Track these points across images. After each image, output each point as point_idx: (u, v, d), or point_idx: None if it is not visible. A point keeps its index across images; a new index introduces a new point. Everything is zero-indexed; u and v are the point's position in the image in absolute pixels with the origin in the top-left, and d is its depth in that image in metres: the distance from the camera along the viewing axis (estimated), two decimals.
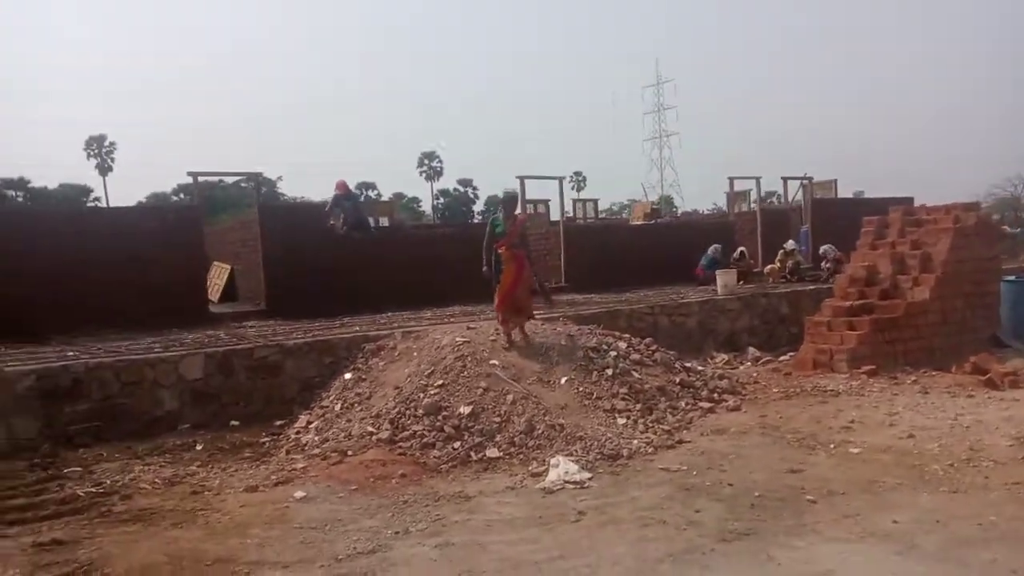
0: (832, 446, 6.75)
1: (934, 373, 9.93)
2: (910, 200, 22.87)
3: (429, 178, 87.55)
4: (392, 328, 10.15)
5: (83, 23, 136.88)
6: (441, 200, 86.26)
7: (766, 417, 7.86)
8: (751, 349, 12.51)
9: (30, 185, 70.75)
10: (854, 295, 11.21)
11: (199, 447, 7.62)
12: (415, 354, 8.85)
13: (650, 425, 7.47)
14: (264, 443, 7.76)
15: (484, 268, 9.12)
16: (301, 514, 5.53)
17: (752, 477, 5.89)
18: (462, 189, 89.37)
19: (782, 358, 11.57)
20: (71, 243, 10.92)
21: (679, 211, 65.45)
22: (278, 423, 8.40)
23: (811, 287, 14.65)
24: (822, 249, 16.55)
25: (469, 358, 8.21)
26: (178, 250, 11.56)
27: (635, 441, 6.97)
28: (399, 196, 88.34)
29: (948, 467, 6.05)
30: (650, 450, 6.78)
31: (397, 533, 5.12)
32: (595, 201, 28.30)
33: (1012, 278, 12.79)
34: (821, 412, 8.02)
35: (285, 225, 12.60)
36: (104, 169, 75.60)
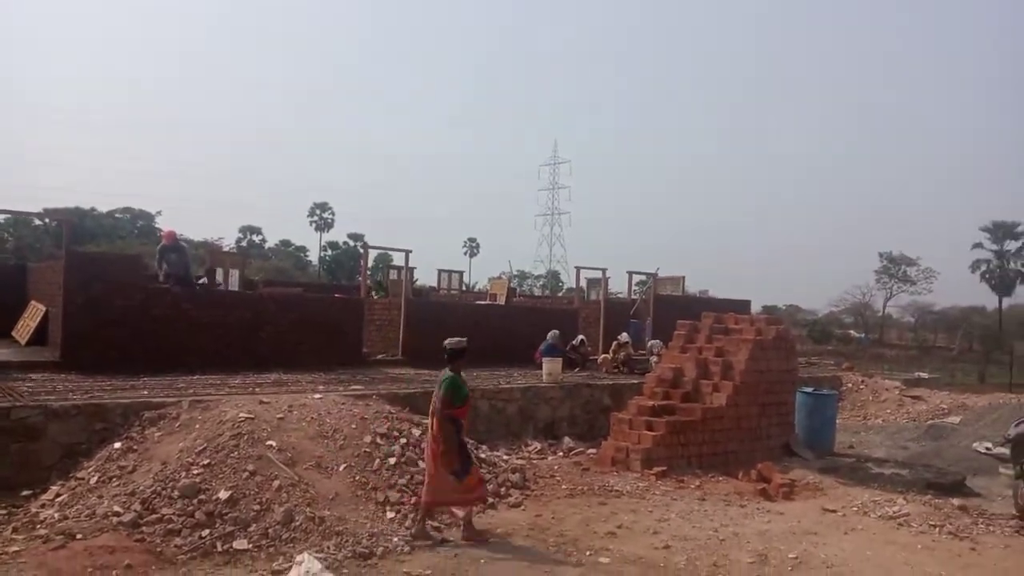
0: (588, 553, 6.83)
1: (720, 479, 10.36)
2: (746, 304, 24.57)
3: (319, 228, 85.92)
4: (185, 395, 9.64)
5: None
6: (329, 252, 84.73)
7: (540, 517, 7.90)
8: (567, 439, 12.71)
9: None
10: (659, 395, 11.66)
11: None
12: (196, 427, 8.39)
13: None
14: (0, 516, 7.06)
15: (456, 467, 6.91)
16: None
17: None
18: (352, 243, 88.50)
19: (590, 451, 11.78)
20: None
21: (564, 287, 67.71)
22: (25, 493, 7.69)
23: (635, 380, 15.15)
24: (649, 343, 17.27)
25: (246, 437, 7.87)
26: None
27: (395, 539, 6.80)
28: (285, 244, 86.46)
29: None
30: (407, 549, 6.62)
31: None
32: (460, 273, 28.51)
33: (809, 389, 13.70)
34: (595, 514, 8.15)
35: (94, 273, 11.88)
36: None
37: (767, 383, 12.09)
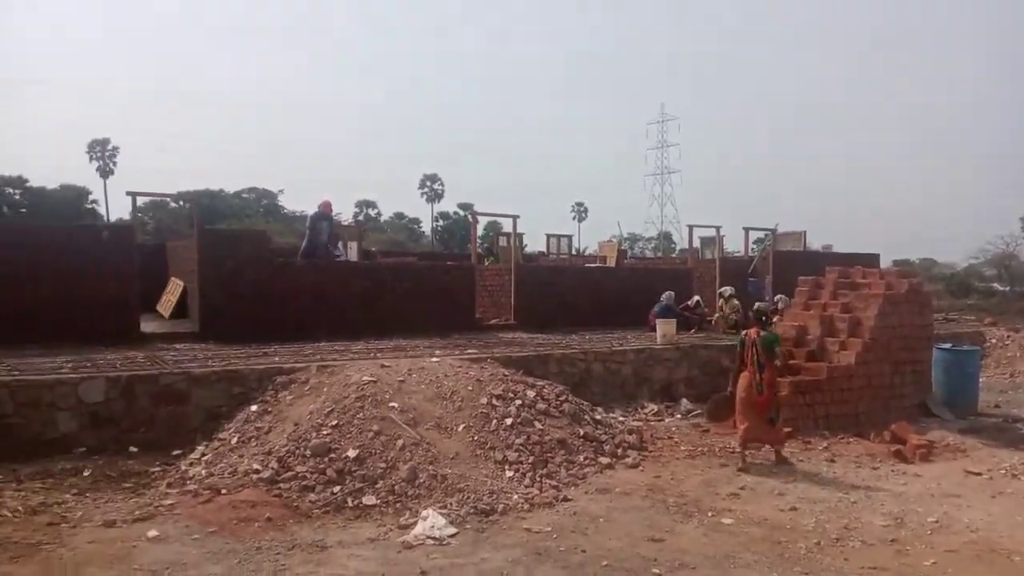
0: (710, 514, 6.72)
1: (850, 440, 9.93)
2: (875, 258, 23.18)
3: (430, 200, 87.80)
4: (312, 361, 10.11)
5: (94, 24, 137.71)
6: (440, 223, 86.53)
7: (659, 478, 7.82)
8: (684, 401, 12.48)
9: (28, 184, 70.99)
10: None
11: (86, 473, 7.54)
12: (324, 390, 8.79)
13: (538, 479, 7.43)
14: (153, 473, 7.68)
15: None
16: (146, 555, 5.46)
17: (609, 544, 5.85)
18: (462, 213, 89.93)
19: None
20: (2, 256, 10.91)
21: (676, 248, 66.32)
22: (176, 452, 8.31)
23: None
24: (777, 298, 16.57)
25: (370, 398, 8.17)
26: (109, 268, 11.54)
27: (515, 496, 6.92)
28: (399, 216, 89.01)
29: (814, 546, 6.03)
30: (526, 507, 6.73)
31: None
32: (569, 237, 28.33)
33: (947, 346, 12.82)
34: (717, 476, 7.99)
35: (225, 250, 12.58)
36: (105, 172, 75.58)
37: (900, 340, 11.41)
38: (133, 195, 12.45)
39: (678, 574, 5.36)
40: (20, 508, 6.31)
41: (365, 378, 8.68)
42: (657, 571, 5.37)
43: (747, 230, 20.47)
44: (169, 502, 6.53)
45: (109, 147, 75.98)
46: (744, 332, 8.97)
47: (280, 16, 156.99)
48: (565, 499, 7.02)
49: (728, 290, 16.90)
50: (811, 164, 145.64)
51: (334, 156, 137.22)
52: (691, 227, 20.01)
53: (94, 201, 72.76)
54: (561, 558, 5.55)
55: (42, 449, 8.01)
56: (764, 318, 8.96)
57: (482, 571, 5.30)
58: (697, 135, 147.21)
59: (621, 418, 10.54)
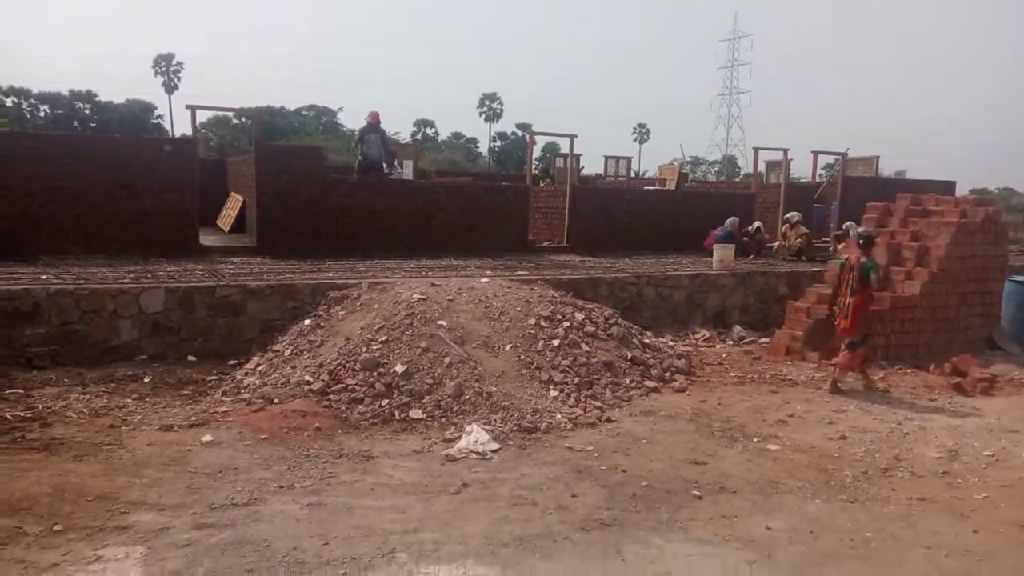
0: (755, 440, 6.64)
1: (908, 371, 9.65)
2: (951, 185, 22.08)
3: (488, 119, 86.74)
4: (365, 277, 10.21)
5: None
6: (498, 143, 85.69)
7: (706, 403, 7.75)
8: (737, 328, 12.27)
9: (97, 99, 72.68)
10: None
11: (147, 379, 7.87)
12: (375, 306, 8.89)
13: (583, 400, 7.44)
14: (210, 381, 7.97)
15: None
16: (200, 458, 5.69)
17: (650, 466, 5.85)
18: (520, 133, 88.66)
19: (763, 340, 11.33)
20: (70, 168, 11.16)
21: (742, 172, 64.34)
22: (232, 362, 8.60)
23: (817, 268, 14.20)
24: (844, 225, 15.98)
25: (419, 316, 8.24)
26: (171, 181, 11.74)
27: (558, 415, 6.96)
28: (457, 136, 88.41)
29: (861, 475, 5.92)
30: (569, 426, 6.77)
31: (281, 487, 5.25)
32: (628, 159, 27.67)
33: (1021, 278, 12.20)
34: (766, 403, 7.88)
35: (281, 166, 12.64)
36: (171, 88, 76.56)
37: (970, 270, 10.89)
38: (193, 108, 12.53)
39: (718, 497, 5.33)
40: (84, 410, 6.63)
41: (415, 296, 8.74)
42: (697, 493, 5.35)
43: (815, 153, 19.56)
44: (223, 409, 6.77)
45: (174, 62, 76.77)
46: (846, 256, 8.90)
47: None
48: (609, 420, 7.03)
49: (794, 215, 16.36)
50: (893, 90, 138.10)
51: (393, 76, 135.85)
52: (756, 149, 19.24)
53: (159, 116, 74.23)
54: (601, 476, 5.58)
55: (106, 355, 8.38)
56: (863, 242, 8.76)
57: (522, 485, 5.37)
58: (772, 54, 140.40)
59: (671, 343, 10.44)
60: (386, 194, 13.66)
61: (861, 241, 8.81)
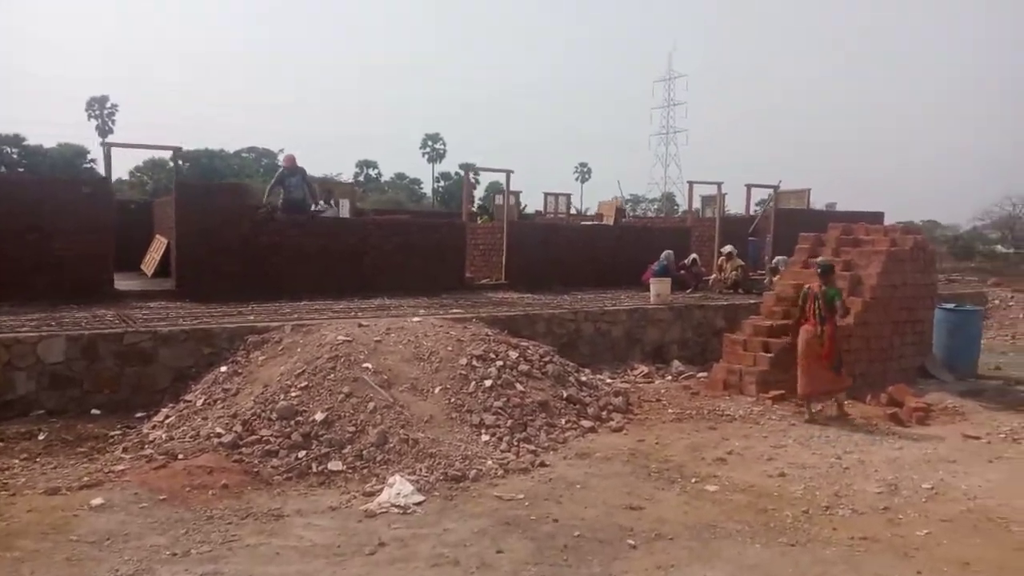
0: (694, 480, 6.37)
1: (846, 402, 9.54)
2: (879, 216, 22.65)
3: (431, 160, 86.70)
4: (289, 320, 9.72)
5: None
6: (442, 183, 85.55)
7: (643, 442, 7.47)
8: (676, 363, 12.12)
9: (25, 143, 70.07)
10: (778, 314, 10.81)
11: (41, 436, 7.20)
12: (298, 350, 8.41)
13: (516, 444, 7.08)
14: (112, 437, 7.34)
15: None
16: (87, 524, 5.13)
17: (584, 513, 5.51)
18: (463, 173, 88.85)
19: (701, 375, 11.17)
20: None
21: (680, 209, 65.47)
22: (139, 415, 7.98)
23: (753, 301, 14.21)
24: (775, 260, 16.14)
25: (343, 359, 7.80)
26: (86, 224, 11.10)
27: (489, 462, 6.58)
28: (400, 176, 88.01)
29: (801, 514, 5.68)
30: (500, 473, 6.39)
31: (174, 555, 4.73)
32: (568, 196, 27.73)
33: (950, 306, 12.40)
34: (704, 440, 7.64)
35: (203, 204, 12.12)
36: (104, 131, 74.42)
37: (902, 299, 10.97)
38: (108, 146, 11.99)
39: (654, 545, 5.01)
40: None
41: (340, 338, 8.31)
42: (632, 542, 5.03)
43: (749, 187, 19.89)
44: (120, 468, 6.19)
45: (108, 105, 74.92)
46: (807, 286, 9.07)
47: None
48: (542, 464, 6.67)
49: (729, 248, 16.48)
50: (818, 124, 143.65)
51: (335, 116, 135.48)
52: (691, 183, 19.47)
53: (92, 160, 71.93)
54: (530, 528, 5.21)
55: (1, 411, 7.67)
56: (821, 272, 8.97)
57: (444, 542, 4.96)
58: (706, 93, 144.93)
59: (609, 380, 10.18)
60: (316, 233, 13.22)
61: (819, 271, 9.02)
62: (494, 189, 44.22)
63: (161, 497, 5.63)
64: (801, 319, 9.01)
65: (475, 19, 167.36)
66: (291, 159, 13.88)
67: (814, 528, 5.42)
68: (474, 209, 22.82)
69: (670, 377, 11.34)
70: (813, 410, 8.65)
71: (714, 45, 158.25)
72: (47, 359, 8.02)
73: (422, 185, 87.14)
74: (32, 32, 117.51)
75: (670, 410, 8.79)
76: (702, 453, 7.16)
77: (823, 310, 8.69)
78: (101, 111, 75.03)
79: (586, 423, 7.91)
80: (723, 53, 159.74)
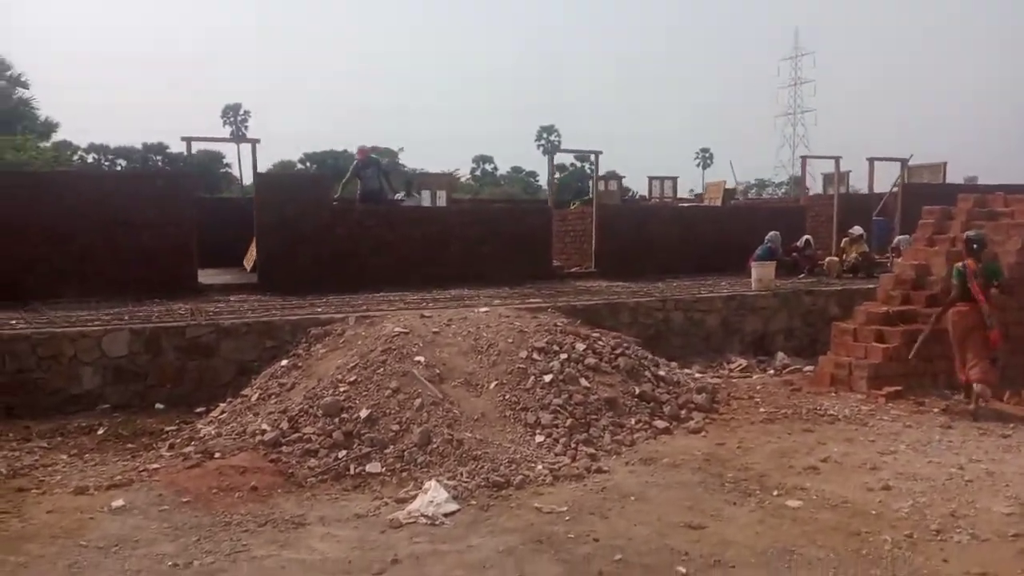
0: (775, 493, 5.46)
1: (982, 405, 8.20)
2: None
3: (547, 152, 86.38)
4: (359, 311, 9.41)
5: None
6: (558, 175, 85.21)
7: (723, 446, 6.58)
8: (780, 355, 10.98)
9: (168, 150, 75.07)
10: (897, 299, 9.50)
11: (100, 431, 7.18)
12: (359, 342, 8.05)
13: (573, 446, 6.38)
14: (167, 432, 7.20)
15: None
16: (101, 528, 4.89)
17: (632, 532, 4.75)
18: (579, 164, 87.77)
19: (808, 368, 10.02)
20: (64, 205, 10.76)
21: (810, 192, 61.50)
22: (199, 410, 7.85)
23: (873, 286, 12.74)
24: (896, 240, 14.51)
25: (395, 352, 7.36)
26: (169, 217, 11.24)
27: (539, 466, 5.92)
28: (517, 170, 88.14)
29: (905, 538, 4.69)
30: (548, 479, 5.72)
31: (175, 566, 4.38)
32: (674, 179, 26.42)
33: None
34: (796, 444, 6.65)
35: (283, 196, 12.03)
36: (239, 137, 78.77)
37: None
38: (188, 140, 12.11)
39: (710, 574, 4.20)
40: (3, 470, 5.94)
41: (396, 329, 7.89)
42: (683, 570, 4.24)
43: (871, 160, 18.00)
44: (154, 466, 5.98)
45: (241, 112, 79.08)
46: (961, 264, 8.06)
47: None
48: (599, 470, 5.94)
49: (857, 229, 14.98)
50: (965, 96, 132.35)
51: (455, 113, 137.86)
52: (804, 158, 17.90)
53: (227, 165, 76.26)
54: (565, 548, 4.52)
55: (67, 405, 7.77)
56: (976, 246, 8.07)
57: (462, 563, 4.36)
58: (837, 68, 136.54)
59: (698, 375, 9.28)
60: (396, 222, 12.92)
61: (974, 245, 8.09)
62: (611, 177, 42.98)
63: (185, 499, 5.34)
64: (952, 301, 8.00)
65: (592, 7, 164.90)
66: (364, 151, 13.85)
67: (919, 558, 4.44)
68: (587, 198, 22.03)
69: (772, 371, 10.27)
70: (981, 404, 7.59)
71: (840, 16, 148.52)
72: (111, 352, 8.03)
73: (538, 178, 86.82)
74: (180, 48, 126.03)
75: (762, 409, 7.80)
76: (791, 460, 6.20)
77: (983, 287, 7.79)
78: (235, 117, 79.17)
79: (660, 423, 7.09)
80: (855, 27, 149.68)
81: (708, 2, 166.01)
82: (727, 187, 21.27)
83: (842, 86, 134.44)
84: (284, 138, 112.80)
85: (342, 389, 6.92)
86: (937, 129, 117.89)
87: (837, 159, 17.69)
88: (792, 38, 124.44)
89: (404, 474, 5.90)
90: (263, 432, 6.53)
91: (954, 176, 24.08)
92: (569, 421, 6.68)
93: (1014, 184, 19.77)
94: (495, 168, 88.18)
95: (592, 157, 15.08)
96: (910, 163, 19.59)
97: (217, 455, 6.13)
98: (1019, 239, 9.24)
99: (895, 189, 18.41)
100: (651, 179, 25.01)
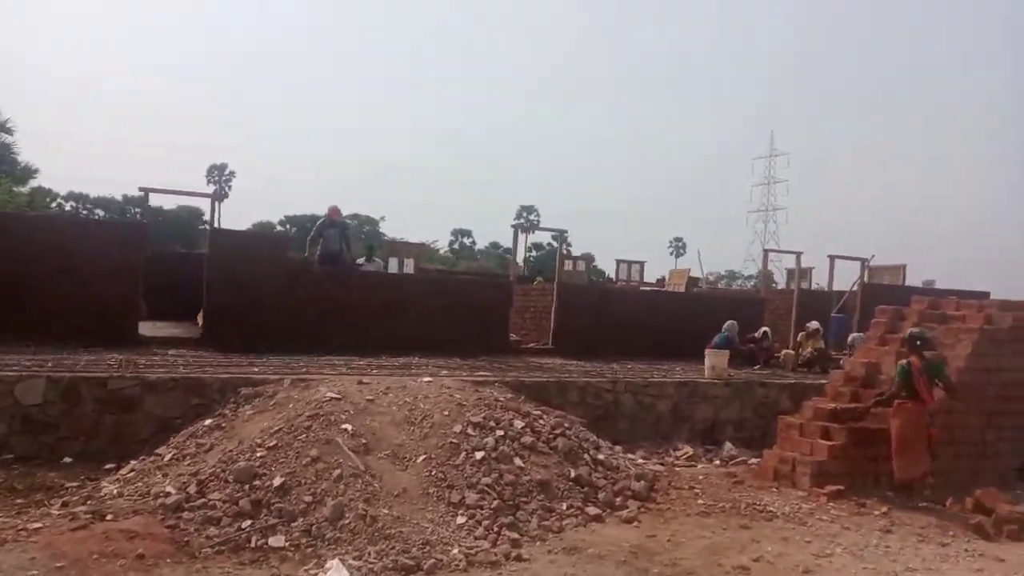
0: None
1: (922, 505, 8.00)
2: (984, 295, 20.34)
3: (524, 230, 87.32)
4: (297, 373, 9.08)
5: (210, 59, 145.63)
6: (534, 252, 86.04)
7: (654, 538, 6.27)
8: (728, 445, 10.77)
9: (148, 204, 74.66)
10: (846, 396, 9.37)
11: None
12: (289, 406, 7.73)
13: (497, 529, 6.05)
14: (68, 489, 6.76)
15: None
16: None
17: None
18: (555, 244, 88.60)
19: (753, 461, 9.78)
20: (9, 248, 10.48)
21: (778, 287, 62.38)
22: (108, 466, 7.41)
23: (824, 381, 12.66)
24: (851, 338, 14.54)
25: (321, 419, 7.05)
26: (118, 268, 10.96)
27: (454, 550, 5.58)
28: (495, 246, 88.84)
29: None
30: (463, 564, 5.38)
31: None
32: (641, 264, 26.56)
33: None
34: (730, 540, 6.35)
35: (237, 253, 11.81)
36: (220, 196, 78.78)
37: (998, 386, 9.30)
38: (146, 191, 11.95)
39: None
40: None
41: (329, 395, 7.60)
42: None
43: (832, 258, 18.27)
44: (37, 525, 5.54)
45: (226, 172, 79.44)
46: (906, 361, 8.11)
47: (381, 43, 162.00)
48: (519, 558, 5.60)
49: (813, 324, 15.03)
50: (932, 205, 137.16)
51: (435, 183, 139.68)
52: (766, 251, 18.11)
53: (206, 222, 76.03)
54: None
55: None
56: (920, 343, 8.18)
57: None
58: (806, 171, 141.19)
59: (641, 460, 9.00)
60: (355, 287, 12.72)
61: (917, 343, 8.18)
62: (586, 260, 43.18)
63: (58, 564, 4.91)
64: (895, 398, 8.04)
65: (573, 95, 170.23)
66: (335, 210, 13.60)
67: None
68: (551, 276, 22.03)
69: (718, 462, 10.03)
70: (925, 494, 7.86)
71: (815, 122, 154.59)
72: (24, 400, 7.63)
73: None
74: (163, 104, 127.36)
75: (700, 500, 7.50)
76: (721, 558, 5.90)
77: (929, 385, 7.89)
78: (219, 177, 79.48)
79: (592, 510, 6.77)
80: (825, 131, 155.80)
81: (695, 96, 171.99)
82: (692, 275, 21.44)
83: (814, 186, 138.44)
84: (265, 200, 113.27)
85: (259, 454, 6.57)
86: (900, 233, 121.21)
87: (798, 254, 17.94)
88: (768, 139, 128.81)
89: (309, 550, 5.52)
90: (167, 495, 6.14)
91: (913, 279, 24.54)
92: (496, 502, 6.35)
93: (969, 290, 20.18)
94: (473, 242, 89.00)
95: (561, 235, 14.97)
96: (871, 263, 19.95)
97: (109, 517, 5.71)
98: (969, 343, 9.22)
99: (855, 288, 18.63)
100: (619, 262, 25.08)
